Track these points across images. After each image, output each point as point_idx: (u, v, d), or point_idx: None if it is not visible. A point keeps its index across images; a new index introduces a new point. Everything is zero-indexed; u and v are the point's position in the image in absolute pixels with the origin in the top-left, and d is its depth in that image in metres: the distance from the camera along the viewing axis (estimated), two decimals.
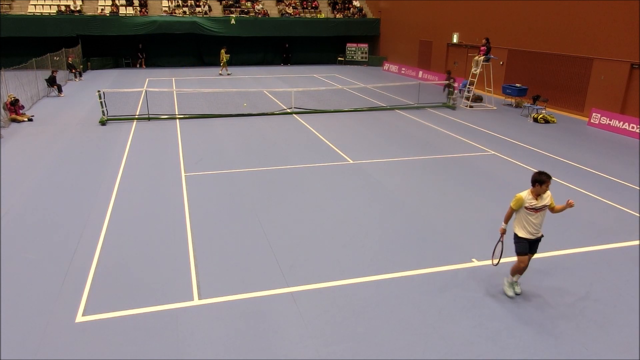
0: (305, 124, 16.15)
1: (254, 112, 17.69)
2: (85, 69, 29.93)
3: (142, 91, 20.28)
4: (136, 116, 16.80)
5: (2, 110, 15.57)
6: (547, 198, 5.98)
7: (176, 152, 12.77)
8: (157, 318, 5.80)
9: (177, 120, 16.66)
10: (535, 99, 18.45)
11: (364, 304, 6.13)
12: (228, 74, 29.14)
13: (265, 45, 35.32)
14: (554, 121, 17.17)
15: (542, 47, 19.97)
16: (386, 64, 32.96)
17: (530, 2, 20.28)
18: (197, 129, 15.29)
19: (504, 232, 6.29)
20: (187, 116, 17.06)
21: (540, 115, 17.12)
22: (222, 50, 28.93)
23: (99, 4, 31.59)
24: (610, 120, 16.20)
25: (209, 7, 33.46)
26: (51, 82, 21.32)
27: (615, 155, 13.14)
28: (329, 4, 37.10)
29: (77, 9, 30.64)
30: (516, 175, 11.27)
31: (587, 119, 17.42)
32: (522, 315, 5.95)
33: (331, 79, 28.15)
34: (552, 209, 6.08)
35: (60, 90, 21.46)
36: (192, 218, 8.63)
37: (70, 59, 26.22)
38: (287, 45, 35.43)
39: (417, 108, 19.37)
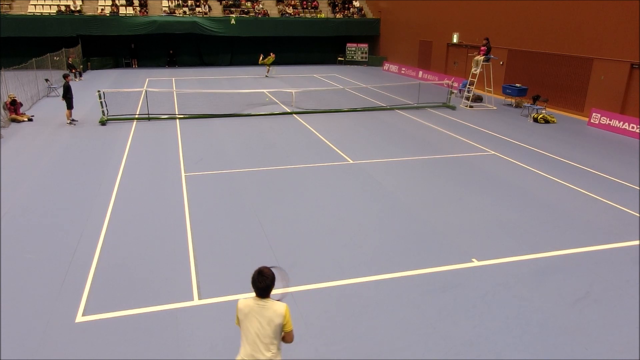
0: (306, 124, 16.15)
1: (253, 112, 17.70)
2: (85, 69, 29.94)
3: (142, 91, 20.28)
4: (136, 116, 16.80)
5: (2, 110, 15.57)
6: None
7: (176, 152, 12.77)
8: (157, 318, 5.80)
9: (177, 120, 16.65)
10: (535, 99, 18.44)
11: (364, 304, 6.13)
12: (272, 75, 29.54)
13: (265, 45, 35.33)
14: (554, 121, 17.16)
15: (542, 47, 19.96)
16: (386, 64, 32.96)
17: (530, 2, 20.28)
18: (197, 129, 15.29)
19: None
20: (187, 116, 17.06)
21: (540, 115, 17.11)
22: (272, 55, 29.34)
23: (99, 4, 31.60)
24: (610, 120, 16.21)
25: (209, 7, 33.46)
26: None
27: (615, 155, 13.14)
28: (329, 4, 37.09)
29: (77, 9, 30.64)
30: (516, 175, 11.27)
31: (587, 119, 17.42)
32: (522, 315, 5.95)
33: (331, 79, 28.14)
34: None
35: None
36: (192, 218, 8.63)
37: (70, 59, 26.23)
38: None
39: (417, 108, 19.36)
